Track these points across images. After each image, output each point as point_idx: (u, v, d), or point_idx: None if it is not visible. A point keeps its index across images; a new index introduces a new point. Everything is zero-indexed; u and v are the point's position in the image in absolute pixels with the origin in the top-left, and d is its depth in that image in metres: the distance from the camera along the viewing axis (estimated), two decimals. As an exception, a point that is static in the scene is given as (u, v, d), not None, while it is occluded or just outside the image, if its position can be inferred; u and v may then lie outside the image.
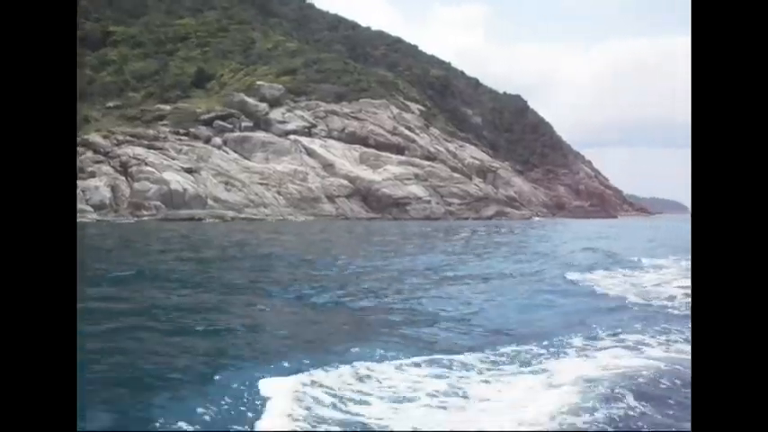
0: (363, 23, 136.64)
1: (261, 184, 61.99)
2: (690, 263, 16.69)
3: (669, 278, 14.42)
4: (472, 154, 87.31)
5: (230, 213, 54.45)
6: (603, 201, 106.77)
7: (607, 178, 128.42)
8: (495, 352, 6.98)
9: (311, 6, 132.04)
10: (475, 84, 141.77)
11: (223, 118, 69.97)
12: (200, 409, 4.71)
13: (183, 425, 4.44)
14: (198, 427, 4.39)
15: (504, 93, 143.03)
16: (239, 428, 4.27)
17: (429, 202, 68.53)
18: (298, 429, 4.31)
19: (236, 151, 66.62)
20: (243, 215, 55.21)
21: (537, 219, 74.76)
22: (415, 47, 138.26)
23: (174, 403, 5.00)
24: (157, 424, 4.50)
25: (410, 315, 9.68)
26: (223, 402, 4.87)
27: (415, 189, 69.14)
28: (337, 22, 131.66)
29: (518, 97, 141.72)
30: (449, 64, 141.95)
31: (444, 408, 5.11)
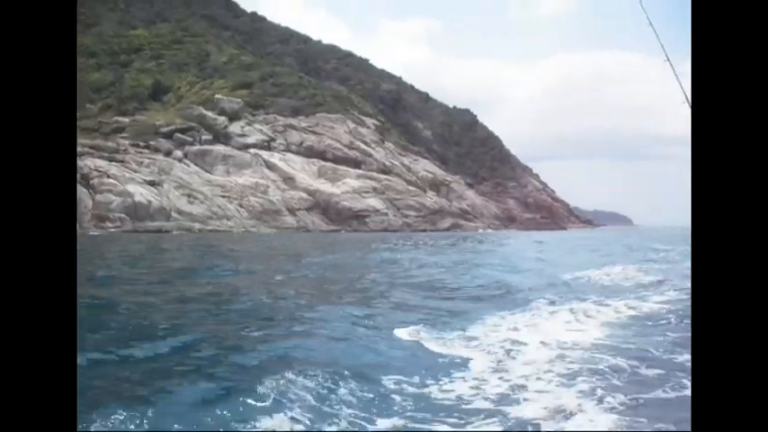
0: (314, 37, 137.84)
1: (223, 196, 62.91)
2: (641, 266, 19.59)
3: (640, 275, 16.96)
4: (425, 167, 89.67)
5: (197, 225, 55.27)
6: (552, 213, 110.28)
7: (554, 191, 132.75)
8: (533, 304, 10.75)
9: (263, 19, 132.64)
10: (425, 98, 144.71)
11: (183, 131, 70.53)
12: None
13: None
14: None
15: (455, 107, 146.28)
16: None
17: (387, 214, 70.50)
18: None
19: (197, 164, 67.35)
20: (209, 227, 56.05)
21: (489, 230, 77.26)
22: (366, 61, 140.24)
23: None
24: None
25: (475, 291, 13.40)
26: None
27: (374, 202, 71.02)
28: (289, 36, 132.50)
29: (467, 111, 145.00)
30: (399, 78, 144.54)
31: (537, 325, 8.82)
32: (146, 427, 4.39)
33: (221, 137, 72.26)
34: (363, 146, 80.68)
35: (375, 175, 75.85)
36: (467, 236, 57.81)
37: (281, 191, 67.35)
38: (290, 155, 73.81)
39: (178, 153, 67.28)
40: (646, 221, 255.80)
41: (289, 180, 69.33)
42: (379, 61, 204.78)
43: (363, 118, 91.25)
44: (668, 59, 4.96)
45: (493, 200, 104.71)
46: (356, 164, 77.02)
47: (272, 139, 75.13)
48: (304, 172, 71.62)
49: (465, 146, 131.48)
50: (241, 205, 62.85)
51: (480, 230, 76.06)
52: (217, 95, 77.98)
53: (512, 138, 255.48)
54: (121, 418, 4.48)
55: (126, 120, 72.07)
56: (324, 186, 70.17)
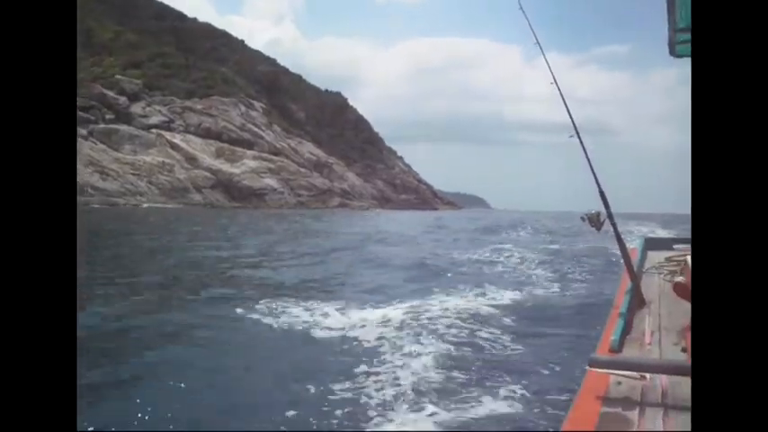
0: (185, 13, 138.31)
1: (133, 174, 66.88)
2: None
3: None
4: (309, 150, 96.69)
5: (121, 201, 59.43)
6: (420, 194, 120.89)
7: (418, 173, 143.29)
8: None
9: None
10: (298, 80, 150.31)
11: (85, 109, 72.93)
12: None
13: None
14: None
15: (327, 90, 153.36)
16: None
17: (283, 193, 77.28)
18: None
19: (103, 143, 70.46)
20: (133, 202, 60.36)
21: (378, 210, 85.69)
22: (241, 42, 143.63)
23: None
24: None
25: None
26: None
27: (270, 181, 77.54)
28: (164, 12, 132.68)
29: (338, 94, 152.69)
30: (274, 60, 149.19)
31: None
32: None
33: (123, 117, 75.40)
34: (255, 128, 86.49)
35: (268, 156, 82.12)
36: (366, 215, 65.03)
37: (185, 170, 72.17)
38: (190, 136, 78.41)
39: (82, 131, 69.93)
40: (500, 205, 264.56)
41: (191, 160, 74.16)
42: (249, 39, 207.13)
43: (251, 101, 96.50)
44: (537, 42, 4.71)
45: (364, 181, 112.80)
46: (249, 145, 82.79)
47: (172, 121, 79.21)
48: (204, 153, 76.64)
49: (337, 128, 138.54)
50: (151, 182, 67.21)
51: (358, 209, 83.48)
52: (117, 76, 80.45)
53: (377, 120, 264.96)
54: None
55: (22, 95, 72.92)
56: (224, 166, 75.69)
